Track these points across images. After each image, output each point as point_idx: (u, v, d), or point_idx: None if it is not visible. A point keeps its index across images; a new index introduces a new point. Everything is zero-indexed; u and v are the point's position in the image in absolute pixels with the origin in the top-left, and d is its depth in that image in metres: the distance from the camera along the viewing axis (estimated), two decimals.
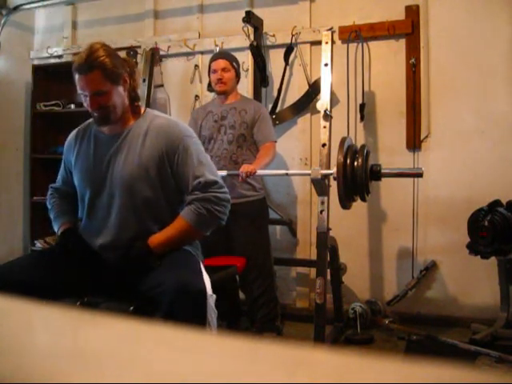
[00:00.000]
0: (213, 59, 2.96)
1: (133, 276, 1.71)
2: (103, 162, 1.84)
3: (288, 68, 3.40)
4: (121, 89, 1.81)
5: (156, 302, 1.61)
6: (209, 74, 2.98)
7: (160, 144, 1.80)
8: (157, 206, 1.83)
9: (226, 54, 2.99)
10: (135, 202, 1.81)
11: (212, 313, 1.69)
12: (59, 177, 2.09)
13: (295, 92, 3.42)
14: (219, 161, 2.82)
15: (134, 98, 1.89)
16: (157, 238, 1.76)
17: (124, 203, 1.81)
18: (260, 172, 2.71)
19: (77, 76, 1.81)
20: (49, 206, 2.06)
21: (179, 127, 1.89)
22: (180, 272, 1.66)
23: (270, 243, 3.00)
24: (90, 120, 1.96)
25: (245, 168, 2.63)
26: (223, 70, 2.86)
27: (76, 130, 2.04)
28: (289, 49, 3.37)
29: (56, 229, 1.96)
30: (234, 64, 2.91)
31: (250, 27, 3.33)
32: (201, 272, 1.75)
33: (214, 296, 1.73)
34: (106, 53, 1.83)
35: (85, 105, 1.83)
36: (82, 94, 1.79)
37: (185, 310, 1.55)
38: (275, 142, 2.91)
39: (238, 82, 3.00)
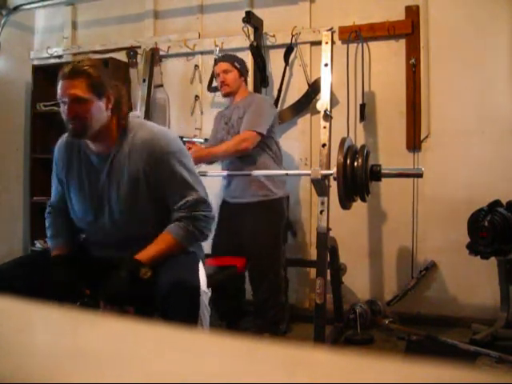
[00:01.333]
0: (215, 63, 2.97)
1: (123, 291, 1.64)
2: (98, 188, 1.81)
3: (288, 68, 3.40)
4: (102, 104, 1.73)
5: (151, 297, 1.62)
6: (215, 79, 3.00)
7: (143, 160, 1.76)
8: (154, 215, 1.82)
9: (226, 56, 2.98)
10: (136, 217, 1.81)
11: (205, 310, 1.68)
12: (53, 193, 2.01)
13: (295, 92, 3.42)
14: (230, 163, 2.83)
15: (122, 115, 1.81)
16: (145, 254, 1.69)
17: (126, 220, 1.82)
18: (260, 172, 2.70)
19: (60, 82, 1.71)
20: (46, 224, 2.00)
21: (162, 142, 1.78)
22: (175, 269, 1.65)
23: (281, 246, 2.86)
24: (76, 141, 1.89)
25: (192, 150, 2.62)
26: (224, 72, 2.85)
27: (63, 141, 1.92)
28: (289, 49, 3.37)
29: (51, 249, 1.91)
30: (236, 64, 2.88)
31: (250, 27, 3.34)
32: (197, 269, 1.73)
33: (209, 293, 1.72)
34: (94, 66, 1.75)
35: (62, 115, 1.73)
36: (61, 100, 1.71)
37: (178, 306, 1.56)
38: (255, 132, 2.68)
39: (245, 80, 2.96)
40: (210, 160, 2.84)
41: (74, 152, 1.87)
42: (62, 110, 1.74)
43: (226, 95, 2.92)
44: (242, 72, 2.92)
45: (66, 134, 1.90)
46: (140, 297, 1.64)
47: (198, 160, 2.67)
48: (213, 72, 3.48)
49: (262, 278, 2.76)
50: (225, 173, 2.81)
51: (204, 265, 1.98)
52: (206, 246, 2.26)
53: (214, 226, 1.94)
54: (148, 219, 1.81)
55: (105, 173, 1.80)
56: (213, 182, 2.94)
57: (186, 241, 1.77)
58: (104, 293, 1.62)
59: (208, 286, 1.98)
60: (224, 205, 2.94)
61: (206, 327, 1.69)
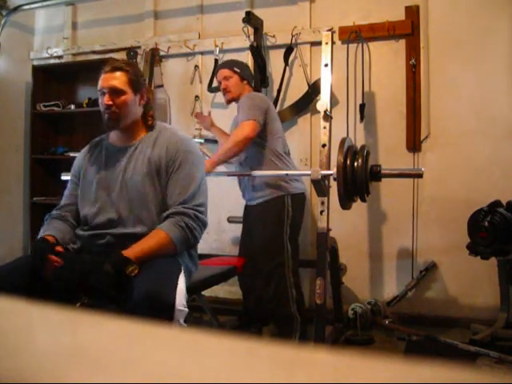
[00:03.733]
0: (217, 71, 2.91)
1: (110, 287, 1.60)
2: (115, 172, 1.90)
3: (288, 68, 3.40)
4: (137, 99, 1.91)
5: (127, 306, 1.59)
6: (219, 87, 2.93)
7: (164, 152, 1.86)
8: (156, 213, 1.85)
9: (225, 63, 2.91)
10: (140, 211, 1.84)
11: (180, 317, 1.62)
12: (64, 194, 2.06)
13: (295, 92, 3.42)
14: (236, 168, 2.85)
15: (149, 115, 1.98)
16: (135, 249, 1.67)
17: (129, 212, 1.84)
18: (260, 172, 2.69)
19: (102, 76, 1.91)
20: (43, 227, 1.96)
21: (184, 141, 1.92)
22: (153, 280, 1.60)
23: (288, 248, 2.61)
24: (103, 135, 2.06)
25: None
26: (225, 78, 2.79)
27: (88, 145, 2.12)
28: (289, 49, 3.37)
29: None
30: (236, 69, 2.80)
31: (250, 28, 3.34)
32: (175, 284, 1.64)
33: (186, 311, 1.64)
34: (133, 65, 2.01)
35: (100, 104, 1.91)
36: (101, 91, 1.89)
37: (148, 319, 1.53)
38: (251, 120, 2.56)
39: (249, 83, 2.85)
40: (219, 164, 2.65)
41: (98, 148, 2.03)
42: (100, 102, 1.91)
43: (229, 101, 2.83)
44: (244, 76, 2.82)
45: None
46: (122, 294, 1.61)
47: (211, 170, 2.56)
48: (213, 72, 3.49)
49: (262, 285, 2.63)
50: (224, 173, 2.81)
51: (192, 273, 1.94)
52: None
53: (203, 234, 1.90)
54: (150, 214, 1.84)
55: (124, 161, 1.90)
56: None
57: (178, 239, 1.75)
58: (87, 286, 1.57)
59: (203, 289, 1.97)
60: (245, 209, 2.93)
61: None
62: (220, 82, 2.83)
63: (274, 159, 2.68)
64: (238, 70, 2.81)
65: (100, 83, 1.90)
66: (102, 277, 1.56)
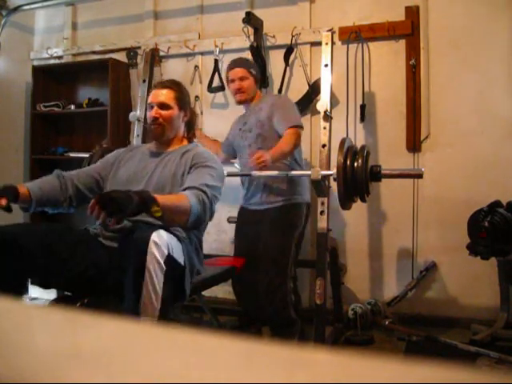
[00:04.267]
0: (230, 68, 2.84)
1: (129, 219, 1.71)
2: (144, 171, 2.07)
3: (288, 69, 3.40)
4: (181, 115, 2.14)
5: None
6: (227, 83, 2.90)
7: (190, 160, 2.04)
8: None
9: (242, 62, 2.86)
10: None
11: (155, 263, 1.62)
12: (82, 169, 2.24)
13: (295, 93, 3.42)
14: (243, 169, 2.80)
15: (189, 134, 2.23)
16: (159, 197, 1.70)
17: None
18: (260, 173, 2.69)
19: (152, 91, 2.16)
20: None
21: (209, 156, 2.10)
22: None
23: (292, 256, 2.64)
24: (141, 144, 2.31)
25: (256, 157, 2.37)
26: (241, 79, 2.75)
27: (128, 147, 2.37)
28: (289, 49, 3.37)
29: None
30: (252, 71, 2.79)
31: (250, 28, 3.34)
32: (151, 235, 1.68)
33: (163, 267, 1.64)
34: (180, 84, 2.21)
35: (147, 117, 2.14)
36: (150, 105, 2.12)
37: (128, 253, 1.62)
38: (299, 127, 2.62)
39: (259, 86, 2.90)
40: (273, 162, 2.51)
41: (135, 150, 2.24)
42: (148, 115, 2.14)
43: (240, 102, 2.82)
44: (257, 78, 2.84)
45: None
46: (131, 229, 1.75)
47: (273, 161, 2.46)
48: (213, 72, 3.49)
49: (265, 289, 2.59)
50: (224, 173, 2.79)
51: (199, 272, 2.02)
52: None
53: (208, 223, 2.06)
54: None
55: (153, 164, 2.09)
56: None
57: (194, 204, 1.79)
58: (107, 195, 1.60)
59: (203, 289, 2.00)
60: (243, 211, 2.89)
61: (156, 286, 1.63)
62: (233, 80, 2.78)
63: (296, 167, 2.75)
64: (254, 73, 2.81)
65: (150, 98, 2.14)
66: (127, 202, 1.56)
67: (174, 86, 2.15)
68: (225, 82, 3.07)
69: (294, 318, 2.60)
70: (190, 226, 1.84)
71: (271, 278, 2.57)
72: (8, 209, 1.90)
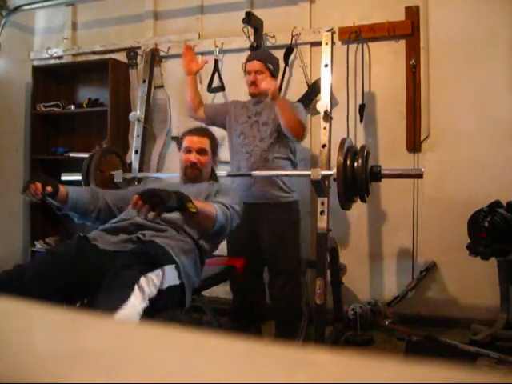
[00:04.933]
0: (248, 60, 2.85)
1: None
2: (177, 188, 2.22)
3: (288, 69, 3.40)
4: (211, 161, 2.38)
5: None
6: (244, 73, 2.91)
7: (216, 189, 2.25)
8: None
9: (261, 55, 2.87)
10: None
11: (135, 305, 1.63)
12: (115, 191, 2.47)
13: (295, 93, 3.42)
14: (249, 157, 2.76)
15: (213, 175, 2.45)
16: (193, 198, 1.86)
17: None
18: (261, 173, 2.70)
19: (188, 136, 2.36)
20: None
21: (233, 191, 2.37)
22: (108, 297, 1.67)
23: (300, 249, 2.83)
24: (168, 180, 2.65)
25: (265, 85, 2.59)
26: (257, 72, 2.76)
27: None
28: (289, 50, 3.37)
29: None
30: (269, 65, 2.79)
31: (250, 28, 3.34)
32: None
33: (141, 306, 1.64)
34: (213, 134, 2.45)
35: (183, 160, 2.33)
36: (187, 149, 2.32)
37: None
38: (304, 124, 2.73)
39: (276, 80, 2.90)
40: (276, 98, 2.67)
41: (161, 182, 2.62)
42: (183, 157, 2.34)
43: (253, 95, 2.82)
44: (274, 74, 2.83)
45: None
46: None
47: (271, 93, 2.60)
48: (213, 73, 3.49)
49: (282, 283, 2.72)
50: (224, 173, 2.79)
51: (194, 285, 2.03)
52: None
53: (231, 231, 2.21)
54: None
55: (184, 187, 2.16)
56: None
57: (220, 216, 1.97)
58: (150, 190, 1.71)
59: (203, 290, 2.02)
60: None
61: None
62: (249, 72, 2.79)
63: (289, 166, 2.84)
64: (271, 68, 2.80)
65: (187, 143, 2.33)
66: (167, 197, 1.69)
67: (209, 134, 2.40)
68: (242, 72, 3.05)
69: (304, 311, 2.81)
70: (214, 232, 2.00)
71: (288, 273, 2.73)
72: (52, 195, 2.00)
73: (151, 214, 1.68)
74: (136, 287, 1.63)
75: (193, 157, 2.29)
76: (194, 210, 1.78)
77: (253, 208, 2.70)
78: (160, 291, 1.73)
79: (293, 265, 2.75)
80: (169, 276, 1.82)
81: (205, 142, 2.33)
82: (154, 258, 1.82)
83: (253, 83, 2.76)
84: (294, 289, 2.75)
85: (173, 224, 2.03)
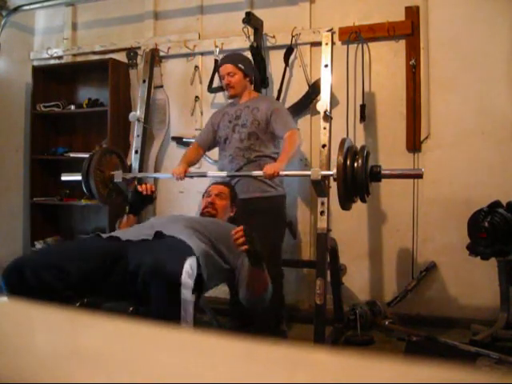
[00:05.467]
0: (220, 64, 2.97)
1: None
2: None
3: (288, 69, 3.40)
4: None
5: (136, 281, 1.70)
6: (219, 79, 3.02)
7: None
8: None
9: (230, 58, 2.96)
10: None
11: (185, 302, 1.70)
12: None
13: (295, 93, 3.42)
14: (233, 159, 2.84)
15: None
16: None
17: None
18: (260, 173, 2.69)
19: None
20: None
21: None
22: (163, 253, 1.76)
23: (282, 244, 2.91)
24: None
25: (268, 170, 2.53)
26: (229, 74, 2.86)
27: None
28: (289, 50, 3.37)
29: None
30: (240, 65, 2.89)
31: (250, 28, 3.34)
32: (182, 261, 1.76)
33: (191, 284, 1.72)
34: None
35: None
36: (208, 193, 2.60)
37: (157, 289, 1.65)
38: (297, 129, 2.84)
39: (250, 80, 2.98)
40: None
41: None
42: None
43: (231, 97, 2.97)
44: (247, 72, 2.92)
45: None
46: None
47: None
48: (213, 73, 3.49)
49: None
50: (224, 173, 2.80)
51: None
52: None
53: None
54: None
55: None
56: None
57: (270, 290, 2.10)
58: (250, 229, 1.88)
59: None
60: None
61: (188, 318, 1.71)
62: (223, 77, 2.90)
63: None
64: (242, 67, 2.89)
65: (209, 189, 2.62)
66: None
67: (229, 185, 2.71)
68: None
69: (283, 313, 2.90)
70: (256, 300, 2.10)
71: (275, 271, 2.70)
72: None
73: (242, 248, 1.84)
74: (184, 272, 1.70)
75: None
76: (262, 268, 1.94)
77: (239, 203, 2.76)
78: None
79: (275, 259, 2.70)
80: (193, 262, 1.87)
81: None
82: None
83: (228, 85, 2.88)
84: (275, 280, 2.71)
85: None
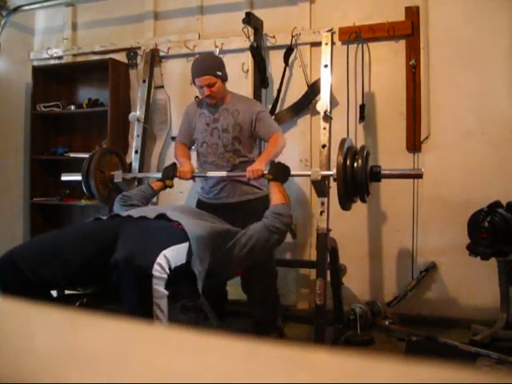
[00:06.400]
0: (195, 76, 2.75)
1: None
2: None
3: (288, 69, 3.40)
4: None
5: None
6: (194, 85, 2.82)
7: None
8: None
9: (205, 69, 2.72)
10: None
11: (156, 293, 1.70)
12: None
13: (295, 93, 3.42)
14: (217, 165, 2.77)
15: None
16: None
17: None
18: (255, 173, 2.69)
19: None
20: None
21: None
22: (139, 244, 1.80)
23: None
24: None
25: (249, 173, 2.52)
26: (208, 85, 2.69)
27: None
28: (289, 50, 3.37)
29: None
30: (217, 72, 2.72)
31: (250, 28, 3.33)
32: (160, 249, 1.77)
33: (164, 277, 1.73)
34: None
35: None
36: None
37: (127, 282, 1.69)
38: (280, 131, 2.80)
39: (226, 81, 2.84)
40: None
41: None
42: None
43: (214, 105, 2.80)
44: (224, 77, 2.77)
45: None
46: None
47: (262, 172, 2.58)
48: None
49: (257, 276, 2.70)
50: (224, 174, 2.79)
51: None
52: None
53: None
54: None
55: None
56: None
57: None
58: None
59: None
60: (203, 205, 2.88)
61: (162, 313, 1.72)
62: (201, 87, 2.72)
63: None
64: (220, 74, 2.73)
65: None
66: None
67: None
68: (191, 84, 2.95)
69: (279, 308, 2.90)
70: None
71: (267, 276, 2.75)
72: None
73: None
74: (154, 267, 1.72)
75: None
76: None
77: (224, 207, 2.76)
78: (170, 270, 1.79)
79: (266, 258, 2.67)
80: (178, 250, 1.90)
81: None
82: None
83: (208, 96, 2.72)
84: (268, 279, 2.77)
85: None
